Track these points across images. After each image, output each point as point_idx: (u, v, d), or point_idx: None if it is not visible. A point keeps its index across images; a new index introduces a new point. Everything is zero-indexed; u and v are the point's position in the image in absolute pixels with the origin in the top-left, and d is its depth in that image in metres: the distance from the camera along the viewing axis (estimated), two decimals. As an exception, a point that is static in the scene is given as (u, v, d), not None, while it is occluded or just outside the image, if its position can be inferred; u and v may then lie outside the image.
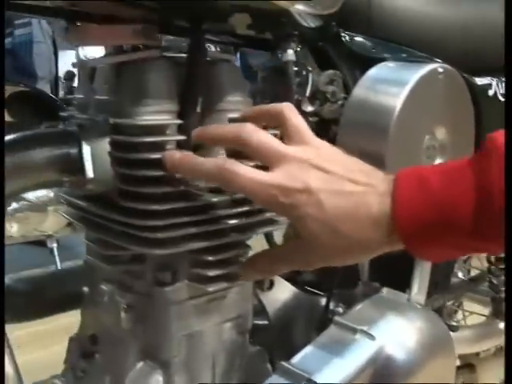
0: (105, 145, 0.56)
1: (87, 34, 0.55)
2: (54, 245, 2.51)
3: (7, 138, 0.57)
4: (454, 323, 1.15)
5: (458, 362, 1.15)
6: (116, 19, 0.56)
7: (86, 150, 0.56)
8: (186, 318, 0.62)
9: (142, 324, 0.63)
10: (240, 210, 0.59)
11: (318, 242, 0.50)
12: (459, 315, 1.34)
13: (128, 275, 0.63)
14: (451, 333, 0.86)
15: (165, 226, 0.54)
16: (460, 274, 1.28)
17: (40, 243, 2.57)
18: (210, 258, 0.59)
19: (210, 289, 0.60)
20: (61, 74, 4.49)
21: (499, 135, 0.46)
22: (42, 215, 2.02)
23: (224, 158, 0.51)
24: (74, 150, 0.56)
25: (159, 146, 0.54)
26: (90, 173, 0.56)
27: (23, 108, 2.26)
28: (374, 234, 0.49)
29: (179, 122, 0.56)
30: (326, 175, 0.50)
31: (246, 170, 0.50)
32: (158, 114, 0.56)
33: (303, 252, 0.53)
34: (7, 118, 2.15)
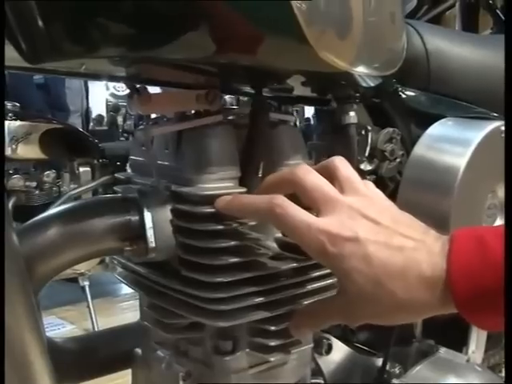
0: (166, 212, 0.55)
1: (150, 101, 0.54)
2: (86, 283, 2.52)
3: (68, 206, 0.57)
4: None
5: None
6: (180, 85, 0.56)
7: (148, 217, 0.55)
8: (245, 387, 0.60)
9: (198, 391, 0.61)
10: (305, 277, 0.58)
11: (362, 297, 0.48)
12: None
13: (185, 341, 0.62)
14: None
15: (229, 297, 0.53)
16: None
17: (72, 280, 2.57)
18: (273, 328, 0.57)
19: (272, 358, 0.59)
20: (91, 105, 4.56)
21: None
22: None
23: (275, 195, 0.50)
24: (135, 218, 0.55)
25: (222, 216, 0.53)
26: (151, 241, 0.54)
27: (56, 145, 2.28)
28: (424, 296, 0.46)
29: (243, 189, 0.55)
30: (375, 226, 0.48)
31: (296, 210, 0.48)
32: (220, 181, 0.55)
33: (347, 307, 0.50)
34: (41, 154, 2.18)
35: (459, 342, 0.86)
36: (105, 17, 0.41)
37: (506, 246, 0.43)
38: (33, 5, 0.39)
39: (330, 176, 0.52)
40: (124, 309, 2.99)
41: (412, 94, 0.75)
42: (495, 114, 0.77)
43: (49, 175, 2.52)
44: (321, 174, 0.51)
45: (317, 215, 0.49)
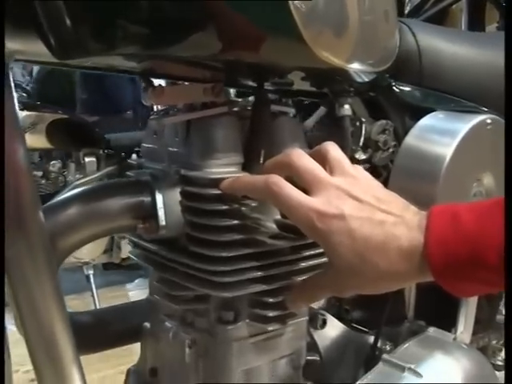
0: (176, 194, 0.61)
1: (163, 94, 0.60)
2: (91, 271, 2.55)
3: (86, 188, 0.62)
4: (500, 362, 1.16)
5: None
6: (189, 79, 0.61)
7: (159, 198, 0.60)
8: (245, 355, 0.66)
9: (202, 359, 0.66)
10: (300, 255, 0.63)
11: (348, 270, 0.53)
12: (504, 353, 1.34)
13: (191, 312, 0.67)
14: (497, 372, 0.88)
15: (232, 270, 0.58)
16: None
17: (76, 268, 2.59)
18: (271, 300, 0.62)
19: (270, 328, 0.64)
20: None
21: None
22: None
23: (272, 175, 0.55)
24: (147, 199, 0.61)
25: (227, 198, 0.59)
26: (162, 220, 0.60)
27: (62, 135, 2.30)
28: (404, 267, 0.51)
29: (245, 174, 0.60)
30: (359, 204, 0.53)
31: (290, 189, 0.54)
32: (225, 166, 0.61)
33: (335, 279, 0.56)
34: (47, 144, 2.19)
35: (449, 324, 0.91)
36: (125, 19, 0.46)
37: (506, 247, 0.47)
38: (62, 6, 0.44)
39: (322, 159, 0.57)
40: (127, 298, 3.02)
41: (405, 88, 0.80)
42: (484, 109, 0.82)
43: (54, 165, 2.55)
44: (313, 158, 0.57)
45: (309, 195, 0.54)
